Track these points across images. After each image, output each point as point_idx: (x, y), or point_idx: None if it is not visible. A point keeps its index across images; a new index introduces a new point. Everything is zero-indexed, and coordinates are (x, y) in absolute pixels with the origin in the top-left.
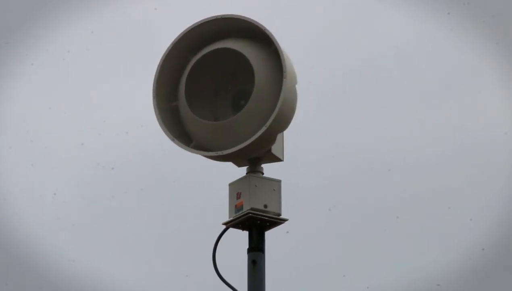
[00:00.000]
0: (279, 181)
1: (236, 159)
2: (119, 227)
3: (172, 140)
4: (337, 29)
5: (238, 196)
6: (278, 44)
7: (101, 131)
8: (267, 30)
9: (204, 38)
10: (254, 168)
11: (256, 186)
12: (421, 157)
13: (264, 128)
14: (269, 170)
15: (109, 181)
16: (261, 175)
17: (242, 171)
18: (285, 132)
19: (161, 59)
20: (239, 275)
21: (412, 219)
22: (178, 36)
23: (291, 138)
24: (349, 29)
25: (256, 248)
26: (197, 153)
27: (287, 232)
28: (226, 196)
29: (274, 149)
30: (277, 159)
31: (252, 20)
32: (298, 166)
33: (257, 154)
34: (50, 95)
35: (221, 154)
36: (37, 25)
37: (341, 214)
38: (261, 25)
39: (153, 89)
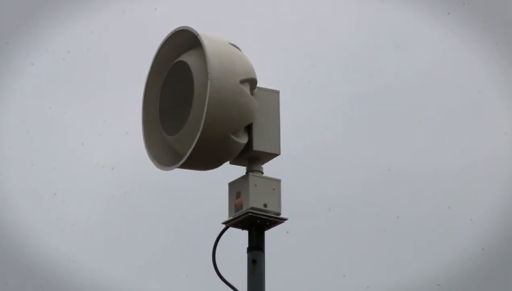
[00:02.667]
0: (279, 180)
1: (209, 166)
2: (118, 227)
3: (152, 161)
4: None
5: (238, 195)
6: (205, 46)
7: (101, 131)
8: (198, 35)
9: (175, 53)
10: (253, 167)
11: (256, 185)
12: (421, 157)
13: (198, 134)
14: (270, 168)
15: (109, 180)
16: (261, 174)
17: (242, 170)
18: (299, 135)
19: (145, 85)
20: (239, 275)
21: (412, 219)
22: (153, 59)
23: (297, 139)
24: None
25: (256, 247)
26: (167, 169)
27: (287, 232)
28: (226, 195)
29: (260, 146)
30: (273, 155)
31: (189, 27)
32: (299, 164)
33: (232, 156)
34: (50, 95)
35: (176, 166)
36: (37, 25)
37: (341, 214)
38: (195, 30)
39: (142, 114)
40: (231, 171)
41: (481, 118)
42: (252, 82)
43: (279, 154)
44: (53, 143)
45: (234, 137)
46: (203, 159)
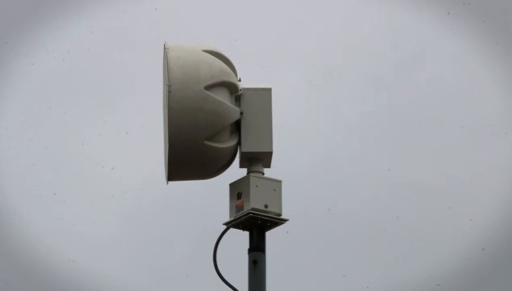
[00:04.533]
0: (279, 181)
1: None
2: (118, 227)
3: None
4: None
5: (239, 196)
6: (167, 59)
7: (101, 131)
8: (167, 49)
9: None
10: (254, 168)
11: (256, 186)
12: (421, 157)
13: (167, 145)
14: (271, 169)
15: (109, 180)
16: (261, 175)
17: (242, 171)
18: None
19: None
20: (240, 275)
21: (412, 218)
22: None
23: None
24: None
25: (257, 248)
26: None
27: (287, 232)
28: (227, 196)
29: (249, 146)
30: (265, 154)
31: (165, 42)
32: (299, 164)
33: (221, 160)
34: (50, 95)
35: (167, 179)
36: (37, 25)
37: (341, 214)
38: (166, 44)
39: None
40: (232, 171)
41: (481, 118)
42: (228, 85)
43: (271, 151)
44: (53, 143)
45: (210, 143)
46: (189, 168)
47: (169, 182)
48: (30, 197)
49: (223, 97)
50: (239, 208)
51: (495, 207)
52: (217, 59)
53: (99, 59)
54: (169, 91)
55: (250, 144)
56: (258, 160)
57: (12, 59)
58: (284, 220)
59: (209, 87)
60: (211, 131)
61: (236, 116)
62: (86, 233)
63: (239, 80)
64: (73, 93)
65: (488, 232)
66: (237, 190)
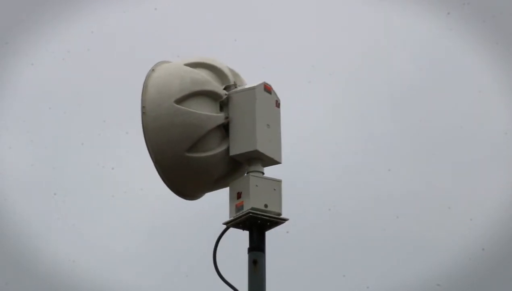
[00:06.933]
0: (279, 181)
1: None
2: (119, 227)
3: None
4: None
5: (239, 195)
6: (146, 79)
7: (101, 131)
8: (151, 70)
9: None
10: (254, 167)
11: (256, 185)
12: (421, 156)
13: (154, 164)
14: (271, 168)
15: (109, 180)
16: (261, 174)
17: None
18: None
19: None
20: (240, 275)
21: (412, 219)
22: None
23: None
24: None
25: (257, 248)
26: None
27: (287, 232)
28: (227, 195)
29: (236, 149)
30: (251, 153)
31: (154, 65)
32: (299, 165)
33: (215, 169)
34: (50, 95)
35: (189, 200)
36: (37, 25)
37: (341, 214)
38: (155, 65)
39: None
40: None
41: (481, 118)
42: (206, 94)
43: (256, 149)
44: (53, 144)
45: (192, 154)
46: (184, 181)
47: (190, 200)
48: (30, 197)
49: (201, 107)
50: (239, 208)
51: (495, 207)
52: (194, 70)
53: (99, 59)
54: (143, 113)
55: (236, 147)
56: (257, 159)
57: (12, 59)
58: (284, 220)
59: (180, 100)
60: (188, 143)
61: (217, 122)
62: (86, 233)
63: (234, 85)
64: (73, 93)
65: (488, 232)
66: (237, 190)
